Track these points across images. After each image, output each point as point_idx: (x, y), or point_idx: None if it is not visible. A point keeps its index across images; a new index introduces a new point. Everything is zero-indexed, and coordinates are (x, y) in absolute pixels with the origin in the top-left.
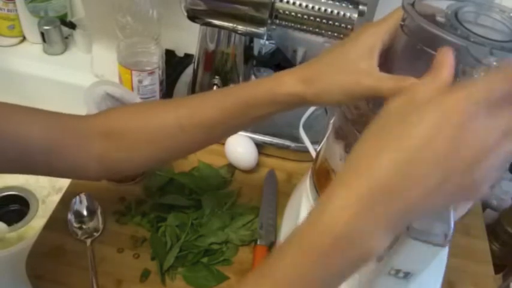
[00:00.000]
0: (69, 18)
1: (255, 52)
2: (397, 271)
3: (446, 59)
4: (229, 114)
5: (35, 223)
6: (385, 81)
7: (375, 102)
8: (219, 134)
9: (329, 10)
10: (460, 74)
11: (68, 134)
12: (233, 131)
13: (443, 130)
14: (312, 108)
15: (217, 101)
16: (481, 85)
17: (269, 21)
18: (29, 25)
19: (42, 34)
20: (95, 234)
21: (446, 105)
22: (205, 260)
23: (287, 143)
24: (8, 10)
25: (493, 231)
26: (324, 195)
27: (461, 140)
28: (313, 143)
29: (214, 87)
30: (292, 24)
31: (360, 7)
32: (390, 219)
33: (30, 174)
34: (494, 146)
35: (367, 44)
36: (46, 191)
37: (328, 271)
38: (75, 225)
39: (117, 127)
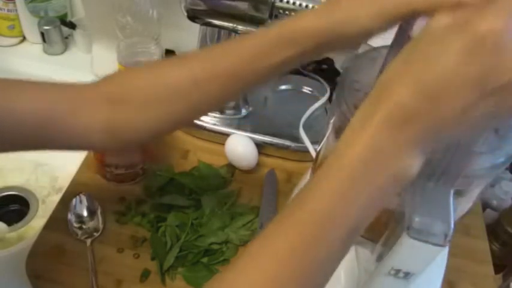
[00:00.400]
0: (69, 18)
1: None
2: (397, 271)
3: None
4: (247, 61)
5: (35, 223)
6: None
7: None
8: (236, 87)
9: None
10: None
11: (64, 104)
12: (251, 83)
13: (477, 49)
14: (312, 108)
15: (234, 49)
16: None
17: (269, 21)
18: (29, 25)
19: (42, 34)
20: (95, 234)
21: (479, 28)
22: (205, 260)
23: (287, 143)
24: (8, 10)
25: (493, 231)
26: (351, 121)
27: (496, 60)
28: (313, 143)
29: None
30: None
31: None
32: (418, 139)
33: (34, 150)
34: None
35: None
36: (46, 191)
37: (361, 196)
38: (75, 225)
39: (123, 88)
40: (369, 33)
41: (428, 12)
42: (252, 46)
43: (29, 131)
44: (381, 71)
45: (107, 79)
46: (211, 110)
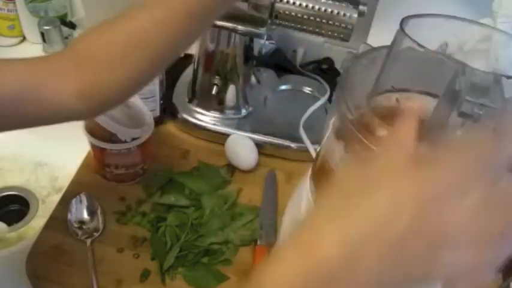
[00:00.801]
0: (69, 18)
1: (255, 52)
2: None
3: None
4: None
5: (35, 223)
6: None
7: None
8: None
9: (329, 10)
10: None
11: (33, 75)
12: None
13: (402, 208)
14: (312, 108)
15: None
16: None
17: (269, 21)
18: (29, 25)
19: (42, 34)
20: (95, 234)
21: (407, 183)
22: (205, 260)
23: (287, 143)
24: (8, 10)
25: None
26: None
27: (422, 221)
28: (313, 143)
29: (214, 88)
30: (292, 24)
31: (360, 7)
32: None
33: (15, 127)
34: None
35: None
36: (46, 191)
37: None
38: (75, 225)
39: (87, 50)
40: None
41: None
42: None
43: (5, 107)
44: (380, 72)
45: (73, 43)
46: (176, 52)
